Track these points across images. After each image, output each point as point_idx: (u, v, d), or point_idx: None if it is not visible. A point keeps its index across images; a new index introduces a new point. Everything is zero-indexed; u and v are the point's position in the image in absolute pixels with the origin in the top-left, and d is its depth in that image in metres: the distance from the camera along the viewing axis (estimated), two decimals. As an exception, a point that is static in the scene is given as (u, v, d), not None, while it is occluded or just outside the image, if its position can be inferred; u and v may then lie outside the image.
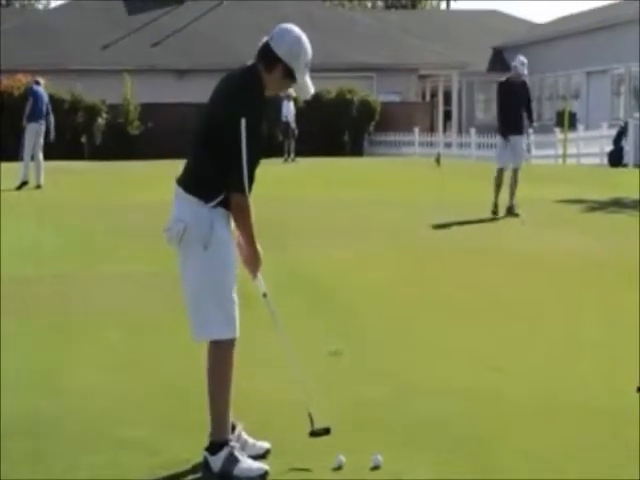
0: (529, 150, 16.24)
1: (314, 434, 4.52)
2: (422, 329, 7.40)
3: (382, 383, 5.91)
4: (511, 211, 13.79)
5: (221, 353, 4.44)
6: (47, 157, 19.25)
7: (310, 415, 4.53)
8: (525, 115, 14.18)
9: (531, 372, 6.19)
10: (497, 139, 14.41)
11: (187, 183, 4.47)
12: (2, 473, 4.44)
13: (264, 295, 4.63)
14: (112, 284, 9.14)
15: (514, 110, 13.93)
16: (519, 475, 4.47)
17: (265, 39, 4.45)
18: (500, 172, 13.94)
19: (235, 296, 4.47)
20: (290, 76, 4.43)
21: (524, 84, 14.10)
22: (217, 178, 4.37)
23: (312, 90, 4.54)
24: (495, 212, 13.72)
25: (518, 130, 14.04)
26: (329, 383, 5.83)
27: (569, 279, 9.40)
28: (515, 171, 13.98)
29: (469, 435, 4.98)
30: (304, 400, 4.60)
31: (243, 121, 4.27)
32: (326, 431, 4.52)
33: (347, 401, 5.50)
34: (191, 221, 4.38)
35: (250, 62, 4.51)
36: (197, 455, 4.54)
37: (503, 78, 14.37)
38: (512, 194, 13.90)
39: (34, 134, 18.72)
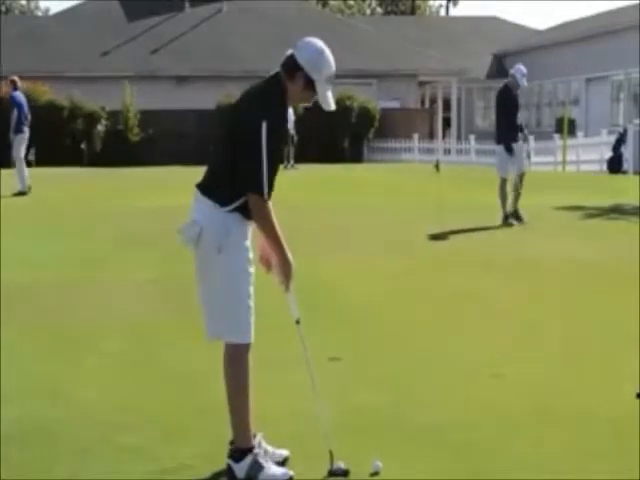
0: (529, 156, 16.15)
1: (332, 474, 4.45)
2: (422, 335, 7.40)
3: (382, 389, 5.90)
4: (517, 215, 13.75)
5: (237, 358, 4.43)
6: (46, 163, 19.22)
7: (331, 452, 4.47)
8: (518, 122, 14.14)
9: (530, 379, 6.18)
10: (497, 148, 14.15)
11: (205, 186, 4.48)
12: (3, 479, 4.44)
13: (297, 322, 4.58)
14: (112, 291, 9.14)
15: (513, 118, 13.88)
16: (519, 482, 4.47)
17: (290, 51, 4.47)
18: (504, 182, 13.87)
19: (251, 302, 4.45)
20: (311, 88, 4.43)
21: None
22: (235, 183, 4.37)
23: (333, 105, 4.51)
24: (507, 220, 13.65)
25: (517, 138, 13.98)
26: (329, 389, 5.82)
27: (569, 286, 9.40)
28: (520, 177, 13.92)
29: (468, 442, 4.97)
30: (324, 436, 4.54)
31: (264, 124, 4.28)
32: (345, 473, 4.45)
33: (347, 407, 5.49)
34: (206, 224, 4.39)
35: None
36: (198, 461, 4.54)
37: (501, 85, 14.27)
38: (517, 199, 13.86)
39: (23, 143, 18.78)
